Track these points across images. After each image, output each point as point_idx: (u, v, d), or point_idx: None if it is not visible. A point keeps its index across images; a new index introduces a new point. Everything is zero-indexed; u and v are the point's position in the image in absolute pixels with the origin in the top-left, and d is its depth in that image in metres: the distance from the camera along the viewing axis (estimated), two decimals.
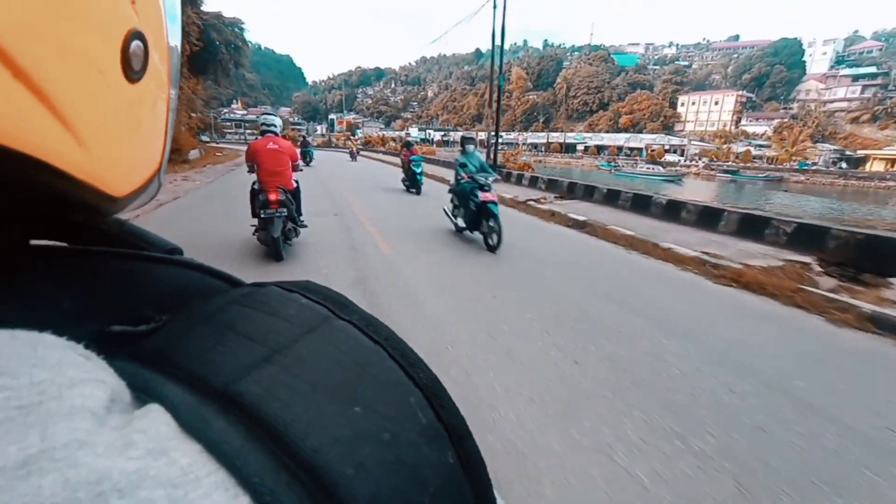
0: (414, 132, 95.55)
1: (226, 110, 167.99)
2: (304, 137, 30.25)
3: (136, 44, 0.17)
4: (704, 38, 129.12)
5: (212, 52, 27.46)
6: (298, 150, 5.88)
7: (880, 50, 76.39)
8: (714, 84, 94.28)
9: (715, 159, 50.14)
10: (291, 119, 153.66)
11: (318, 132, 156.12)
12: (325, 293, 0.20)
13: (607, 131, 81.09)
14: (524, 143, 75.61)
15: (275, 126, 4.39)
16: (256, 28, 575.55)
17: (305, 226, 4.71)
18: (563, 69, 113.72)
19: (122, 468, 0.10)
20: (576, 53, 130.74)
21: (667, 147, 63.59)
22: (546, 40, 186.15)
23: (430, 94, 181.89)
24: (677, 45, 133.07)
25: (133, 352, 0.15)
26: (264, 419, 0.13)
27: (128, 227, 0.23)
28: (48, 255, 0.18)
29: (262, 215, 4.04)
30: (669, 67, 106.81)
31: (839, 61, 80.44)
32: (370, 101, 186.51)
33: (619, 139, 71.67)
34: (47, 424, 0.10)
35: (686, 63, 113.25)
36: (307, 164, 16.68)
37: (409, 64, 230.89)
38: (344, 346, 0.17)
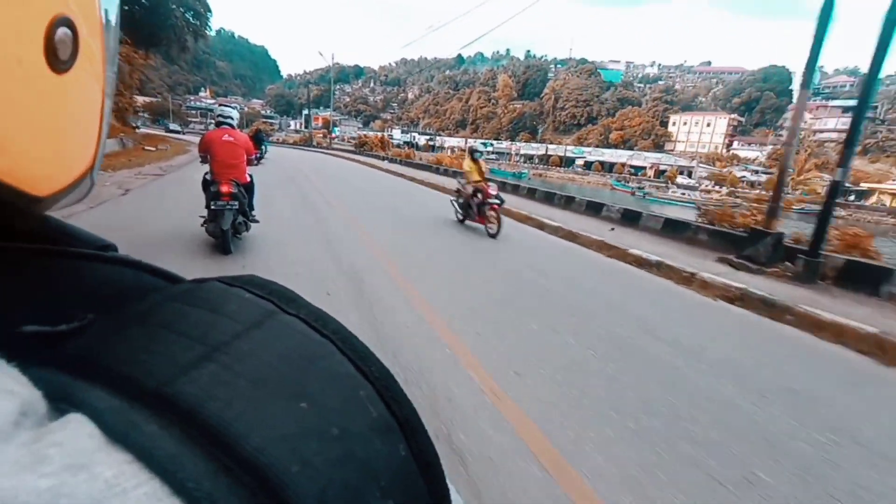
0: (396, 134, 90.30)
1: (192, 98, 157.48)
2: (258, 128, 27.85)
3: (62, 30, 0.15)
4: (685, 61, 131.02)
5: (161, 17, 21.49)
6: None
7: (852, 84, 77.81)
8: (700, 106, 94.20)
9: (726, 184, 47.55)
10: (264, 112, 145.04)
11: (292, 127, 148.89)
12: (270, 287, 0.19)
13: (597, 146, 78.69)
14: (517, 154, 71.85)
15: (231, 119, 4.38)
16: (230, 16, 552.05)
17: (257, 221, 4.67)
18: (550, 80, 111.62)
19: (32, 487, 0.09)
20: (559, 66, 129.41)
21: (677, 169, 59.89)
22: (529, 51, 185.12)
23: (410, 96, 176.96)
24: (659, 65, 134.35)
25: (51, 356, 0.13)
26: (202, 420, 0.12)
27: (52, 223, 0.21)
28: None
29: (213, 207, 3.95)
30: (658, 86, 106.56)
31: (816, 93, 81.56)
32: (348, 99, 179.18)
33: (622, 156, 68.03)
34: None
35: (668, 83, 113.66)
36: (258, 161, 13.08)
37: (390, 64, 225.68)
38: (290, 341, 0.16)
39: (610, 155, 69.10)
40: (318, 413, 0.14)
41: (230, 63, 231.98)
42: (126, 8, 19.28)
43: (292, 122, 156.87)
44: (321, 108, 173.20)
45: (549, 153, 70.11)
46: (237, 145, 4.16)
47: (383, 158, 29.01)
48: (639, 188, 42.73)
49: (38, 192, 0.16)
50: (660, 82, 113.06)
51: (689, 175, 56.79)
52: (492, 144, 76.61)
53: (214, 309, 0.17)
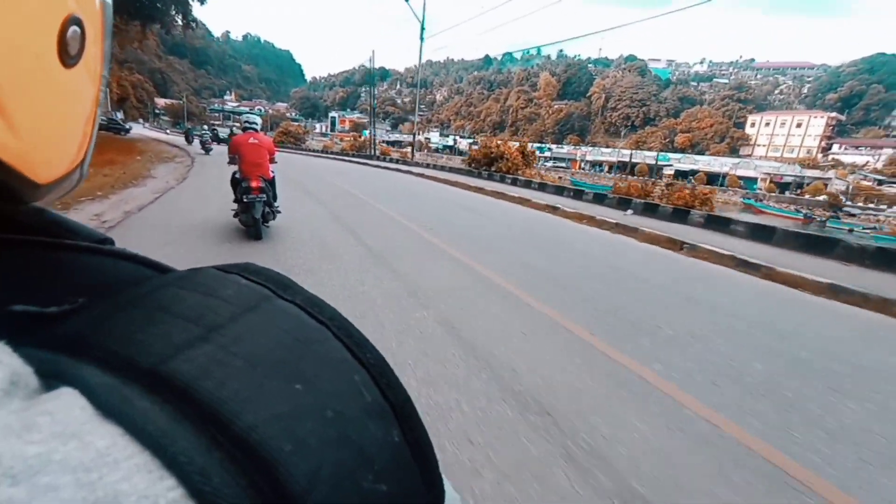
0: (434, 137, 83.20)
1: (216, 101, 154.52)
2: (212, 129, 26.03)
3: (73, 29, 0.16)
4: (740, 56, 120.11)
5: None
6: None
7: None
8: (773, 105, 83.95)
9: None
10: (289, 114, 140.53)
11: (318, 130, 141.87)
12: (266, 274, 0.19)
13: (661, 149, 69.64)
14: (582, 160, 63.14)
15: (256, 124, 5.02)
16: (257, 21, 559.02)
17: (280, 211, 5.20)
18: (596, 79, 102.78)
19: (19, 452, 0.09)
20: (596, 66, 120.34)
21: (805, 180, 47.32)
22: (561, 50, 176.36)
23: (438, 97, 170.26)
24: (710, 62, 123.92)
25: (42, 337, 0.14)
26: (196, 398, 0.12)
27: (49, 216, 0.21)
28: None
29: (245, 199, 4.50)
30: (719, 83, 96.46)
31: None
32: (375, 101, 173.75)
33: (725, 164, 54.93)
34: None
35: (725, 80, 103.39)
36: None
37: (415, 66, 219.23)
38: (286, 325, 0.16)
39: (706, 163, 56.19)
40: (313, 395, 0.14)
41: (256, 67, 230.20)
42: None
43: (318, 125, 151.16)
44: (347, 109, 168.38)
45: (631, 160, 55.09)
46: (262, 147, 4.78)
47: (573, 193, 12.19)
48: (810, 215, 30.83)
49: (38, 179, 0.17)
50: (721, 80, 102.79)
51: (800, 188, 46.19)
52: (549, 149, 68.12)
53: (210, 293, 0.17)
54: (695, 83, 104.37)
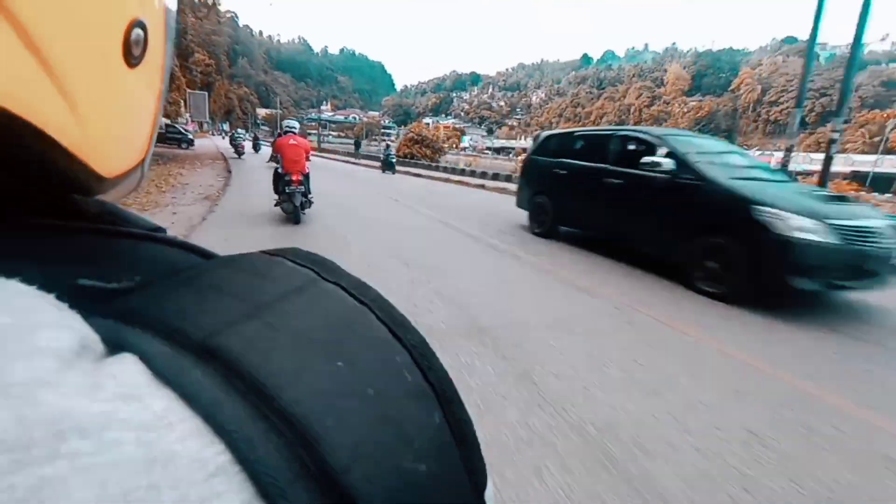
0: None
1: (313, 111, 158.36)
2: (254, 134, 28.29)
3: (137, 31, 0.17)
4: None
5: None
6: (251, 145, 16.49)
7: None
8: None
9: None
10: (382, 122, 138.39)
11: None
12: (312, 258, 0.20)
13: (863, 152, 50.74)
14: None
15: (294, 129, 6.13)
16: (352, 35, 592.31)
17: (313, 201, 6.09)
18: (742, 68, 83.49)
19: (88, 409, 0.09)
20: (742, 56, 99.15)
21: None
22: (674, 43, 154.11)
23: (535, 99, 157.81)
24: (893, 40, 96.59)
25: (104, 309, 0.14)
26: (243, 371, 0.13)
27: (108, 207, 0.22)
28: (25, 228, 0.17)
29: (286, 191, 5.39)
30: None
31: None
32: (467, 106, 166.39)
33: None
34: (3, 363, 0.09)
35: None
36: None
37: (507, 69, 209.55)
38: (330, 306, 0.17)
39: None
40: (355, 373, 0.15)
41: (350, 78, 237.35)
42: None
43: None
44: (441, 115, 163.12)
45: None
46: (299, 147, 5.67)
47: None
48: None
49: (103, 172, 0.18)
50: None
51: None
52: None
53: (259, 274, 0.18)
54: (879, 64, 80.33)
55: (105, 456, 0.09)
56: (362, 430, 0.13)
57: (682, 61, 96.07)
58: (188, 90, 25.84)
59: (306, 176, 5.68)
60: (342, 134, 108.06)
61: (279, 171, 5.64)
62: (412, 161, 21.99)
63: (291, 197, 5.30)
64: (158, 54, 0.21)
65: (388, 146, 18.23)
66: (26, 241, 0.17)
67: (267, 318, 0.15)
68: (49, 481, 0.08)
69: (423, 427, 0.15)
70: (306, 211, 5.75)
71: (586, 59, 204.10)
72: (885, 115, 56.83)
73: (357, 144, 33.36)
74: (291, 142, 5.62)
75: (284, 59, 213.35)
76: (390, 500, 0.13)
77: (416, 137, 23.96)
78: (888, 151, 50.33)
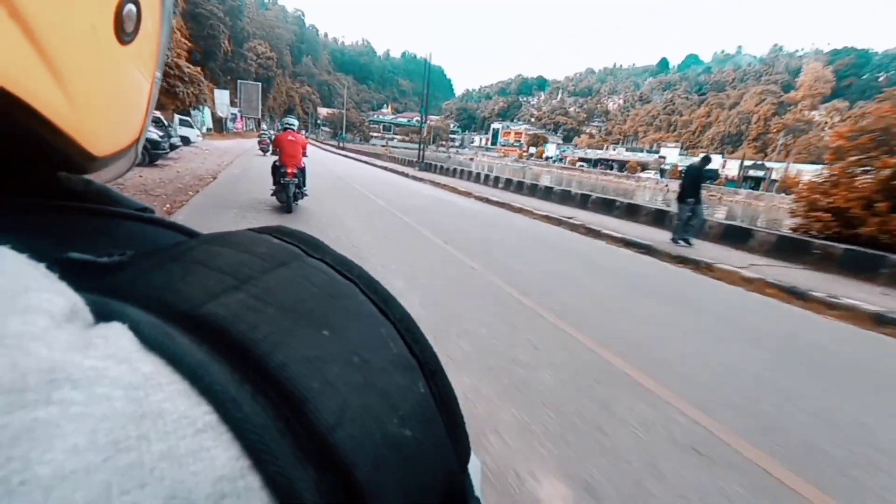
0: (672, 155, 59.64)
1: (374, 113, 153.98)
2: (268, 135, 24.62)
3: (129, 7, 0.17)
4: None
5: None
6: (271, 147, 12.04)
7: None
8: None
9: None
10: (444, 125, 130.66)
11: (476, 143, 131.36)
12: (297, 235, 0.20)
13: None
14: None
15: (293, 126, 6.91)
16: (414, 39, 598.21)
17: (306, 194, 6.99)
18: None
19: (80, 363, 0.10)
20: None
21: None
22: (776, 44, 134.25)
23: (611, 106, 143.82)
24: None
25: (94, 284, 0.14)
26: (229, 338, 0.13)
27: (95, 186, 0.22)
28: (14, 207, 0.17)
29: (282, 182, 6.25)
30: None
31: None
32: (536, 112, 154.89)
33: None
34: None
35: None
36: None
37: (577, 74, 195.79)
38: (315, 280, 0.17)
39: None
40: (340, 342, 0.15)
41: (411, 81, 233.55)
42: None
43: (476, 138, 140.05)
44: (510, 120, 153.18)
45: None
46: (297, 143, 6.47)
47: None
48: None
49: (96, 151, 0.18)
50: None
51: None
52: None
53: (244, 250, 0.18)
54: None
55: (95, 408, 0.09)
56: (348, 394, 0.13)
57: (819, 60, 79.77)
58: (240, 81, 18.26)
59: (301, 170, 6.62)
60: (406, 138, 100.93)
61: (277, 163, 6.48)
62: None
63: (286, 188, 6.29)
64: (153, 32, 0.20)
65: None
66: (13, 217, 0.17)
67: (252, 291, 0.15)
68: (42, 423, 0.08)
69: (407, 395, 0.15)
70: (299, 202, 6.84)
71: (664, 63, 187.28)
72: None
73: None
74: (290, 138, 6.52)
75: (348, 61, 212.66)
76: (376, 461, 0.13)
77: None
78: None
